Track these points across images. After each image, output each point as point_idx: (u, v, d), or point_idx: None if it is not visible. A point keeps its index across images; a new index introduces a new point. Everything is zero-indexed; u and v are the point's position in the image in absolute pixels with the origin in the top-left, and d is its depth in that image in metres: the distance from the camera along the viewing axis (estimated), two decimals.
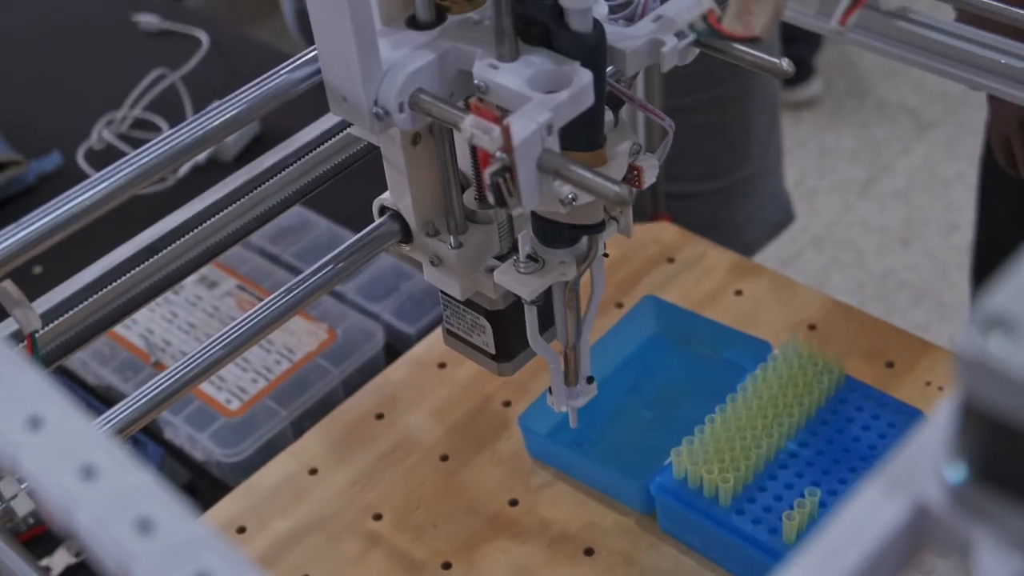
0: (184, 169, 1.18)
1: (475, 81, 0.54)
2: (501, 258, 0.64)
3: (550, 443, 0.85)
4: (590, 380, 0.71)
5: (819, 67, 2.41)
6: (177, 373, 0.63)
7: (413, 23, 0.57)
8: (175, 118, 1.24)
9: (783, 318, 0.94)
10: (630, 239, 0.99)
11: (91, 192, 0.57)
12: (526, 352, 0.69)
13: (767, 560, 0.75)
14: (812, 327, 0.93)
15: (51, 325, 0.59)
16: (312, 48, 0.60)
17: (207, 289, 1.04)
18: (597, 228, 0.60)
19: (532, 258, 0.62)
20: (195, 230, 0.67)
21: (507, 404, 0.89)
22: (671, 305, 0.93)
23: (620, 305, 0.95)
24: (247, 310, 1.05)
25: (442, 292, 0.67)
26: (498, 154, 0.49)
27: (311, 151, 0.72)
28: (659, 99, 0.99)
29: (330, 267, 0.66)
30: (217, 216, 0.73)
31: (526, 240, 0.61)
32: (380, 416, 0.90)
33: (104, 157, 1.21)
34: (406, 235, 0.64)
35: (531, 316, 0.65)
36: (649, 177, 0.59)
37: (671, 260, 0.99)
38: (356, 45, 0.54)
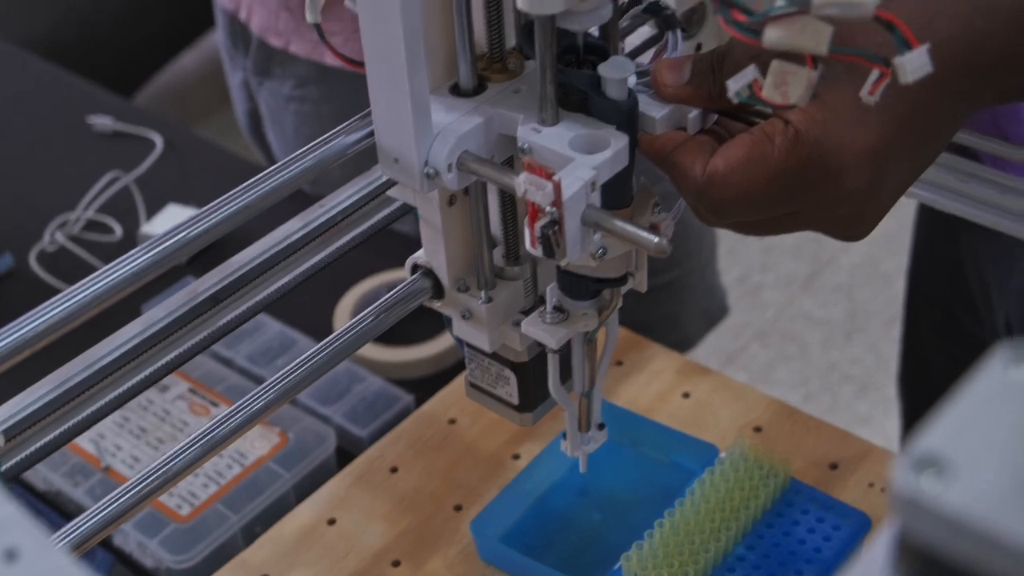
0: None
1: (519, 143, 0.59)
2: (525, 313, 0.69)
3: (502, 547, 0.86)
4: (601, 427, 0.75)
5: None
6: (146, 481, 0.63)
7: (456, 91, 0.62)
8: (128, 220, 1.25)
9: (729, 420, 0.95)
10: None
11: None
12: (545, 404, 0.74)
13: None
14: (758, 429, 0.94)
15: (10, 441, 0.59)
16: (361, 114, 0.64)
17: (159, 393, 1.04)
18: (620, 282, 0.66)
19: (558, 310, 0.66)
20: (158, 344, 0.68)
21: (458, 508, 0.90)
22: (620, 409, 0.94)
23: None
24: (200, 415, 1.05)
25: (468, 346, 0.71)
26: (548, 208, 0.54)
27: (282, 257, 0.74)
28: None
29: (368, 321, 0.69)
30: (181, 329, 0.74)
31: (553, 293, 0.66)
32: (332, 521, 0.90)
33: (56, 260, 1.21)
34: (437, 291, 0.68)
35: (553, 364, 0.70)
36: (667, 234, 0.63)
37: (620, 363, 1.00)
38: (412, 111, 0.59)
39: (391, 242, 1.21)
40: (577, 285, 0.65)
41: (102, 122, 1.39)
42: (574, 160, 0.57)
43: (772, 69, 0.52)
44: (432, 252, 0.68)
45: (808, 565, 0.81)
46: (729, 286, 2.19)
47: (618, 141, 0.58)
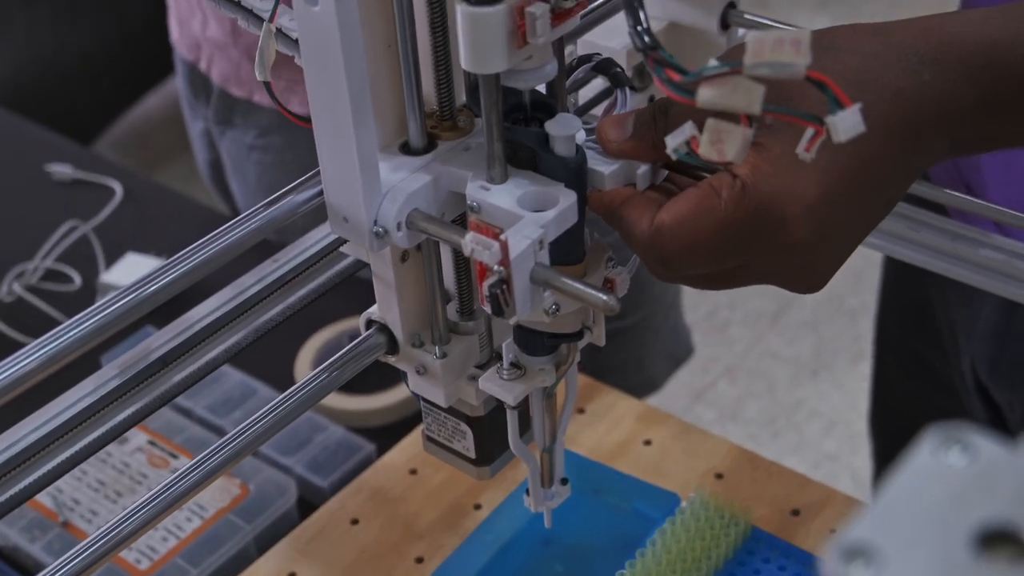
0: None
1: (468, 201, 0.59)
2: (481, 367, 0.68)
3: None
4: (564, 481, 0.75)
5: None
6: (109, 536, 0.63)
7: (406, 149, 0.62)
8: (87, 269, 1.25)
9: (690, 467, 0.95)
10: None
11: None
12: (503, 457, 0.73)
13: None
14: (719, 476, 0.94)
15: None
16: (311, 173, 0.65)
17: (117, 445, 1.03)
18: (576, 336, 0.65)
19: (515, 365, 0.66)
20: (117, 400, 0.68)
21: (420, 560, 0.90)
22: (582, 457, 0.94)
23: None
24: (159, 467, 1.04)
25: (424, 401, 0.71)
26: (496, 267, 0.54)
27: (241, 311, 0.74)
28: None
29: (323, 377, 0.68)
30: (140, 385, 0.74)
31: (510, 349, 0.65)
32: (293, 575, 0.89)
33: (14, 310, 1.21)
34: (392, 346, 0.67)
35: (512, 421, 0.69)
36: (622, 288, 0.64)
37: (581, 411, 1.00)
38: (360, 171, 0.59)
39: (353, 289, 1.21)
40: (533, 341, 0.65)
41: (61, 170, 1.39)
42: (523, 218, 0.57)
43: (707, 127, 0.52)
44: (386, 307, 0.67)
45: None
46: (697, 322, 2.19)
47: (567, 198, 0.58)
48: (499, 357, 0.67)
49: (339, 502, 0.95)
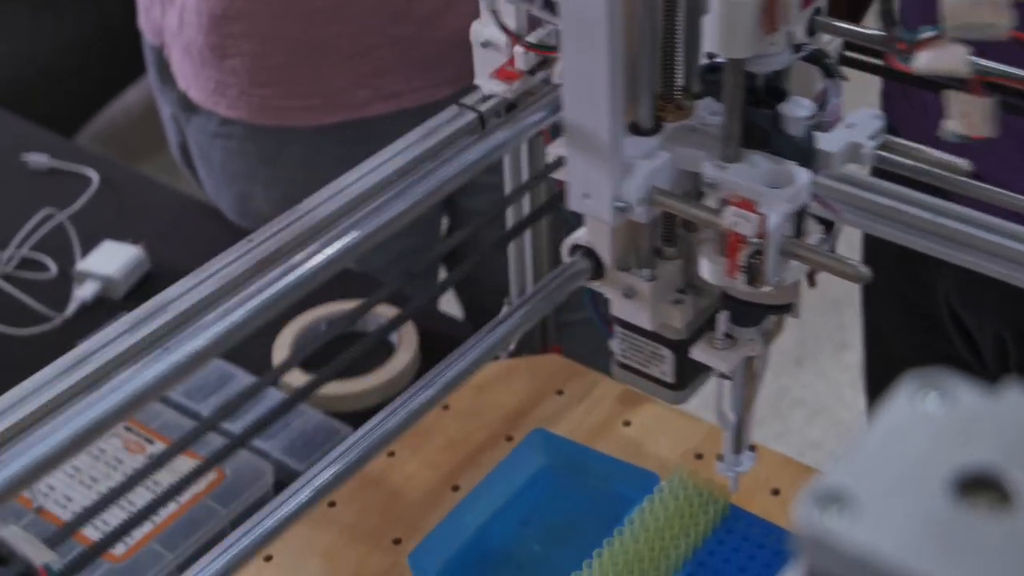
0: (71, 308, 1.17)
1: (706, 179, 0.63)
2: (682, 291, 0.72)
3: None
4: (752, 448, 0.80)
5: None
6: None
7: (635, 129, 0.66)
8: (63, 258, 1.23)
9: (670, 448, 0.95)
10: (518, 372, 1.00)
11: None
12: (695, 382, 0.78)
13: None
14: (699, 456, 0.94)
15: None
16: None
17: None
18: (785, 308, 0.70)
19: (727, 336, 0.70)
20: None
21: (397, 542, 0.89)
22: (560, 438, 0.93)
23: (510, 438, 0.96)
24: (135, 452, 1.03)
25: (622, 326, 0.74)
26: (753, 239, 0.59)
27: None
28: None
29: (525, 306, 0.74)
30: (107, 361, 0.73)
31: (723, 320, 0.70)
32: (268, 558, 0.89)
33: None
34: (597, 271, 0.71)
35: (730, 390, 0.76)
36: None
37: (560, 392, 0.99)
38: (611, 150, 0.63)
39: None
40: (747, 313, 0.69)
41: (37, 160, 1.37)
42: (764, 194, 0.60)
43: (951, 106, 0.56)
44: (596, 233, 0.70)
45: None
46: None
47: (803, 176, 0.61)
48: (710, 327, 0.71)
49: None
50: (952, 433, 0.26)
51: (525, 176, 0.98)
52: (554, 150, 0.70)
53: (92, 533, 0.93)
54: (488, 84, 0.91)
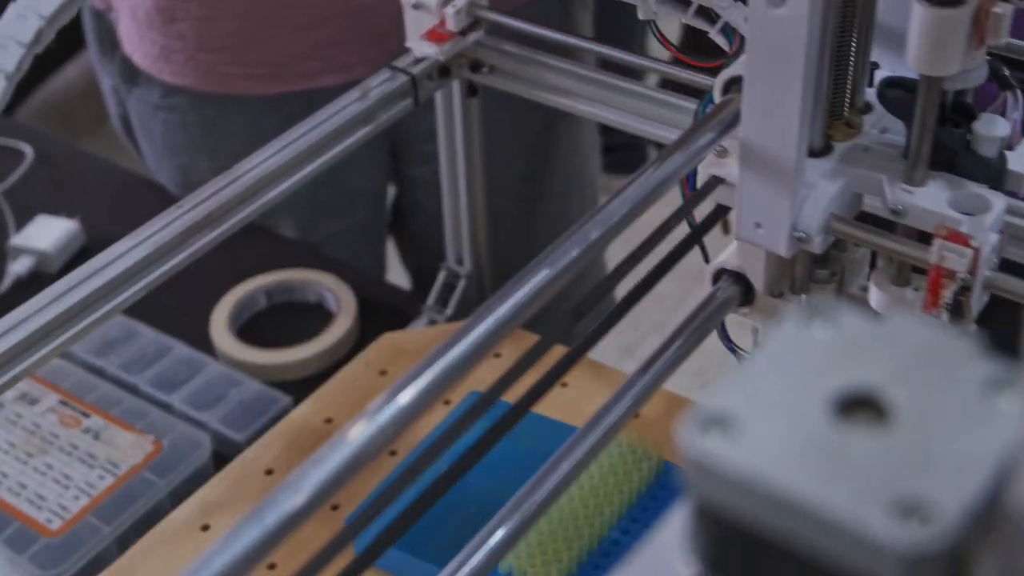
0: (5, 283, 1.15)
1: (890, 204, 0.58)
2: None
3: None
4: None
5: (651, 155, 2.47)
6: None
7: (808, 152, 0.60)
8: None
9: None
10: None
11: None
12: None
13: None
14: (635, 415, 0.94)
15: None
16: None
17: (28, 406, 1.01)
18: None
19: None
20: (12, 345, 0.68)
21: (335, 508, 0.89)
22: (498, 401, 0.93)
23: (447, 402, 0.96)
24: (71, 426, 1.02)
25: None
26: (962, 275, 0.54)
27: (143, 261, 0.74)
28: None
29: (677, 341, 0.71)
30: (35, 329, 0.74)
31: None
32: (206, 527, 0.88)
33: None
34: (747, 297, 0.67)
35: None
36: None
37: (497, 355, 0.99)
38: (795, 176, 0.57)
39: (266, 243, 1.19)
40: None
41: None
42: (960, 221, 0.56)
43: None
44: (748, 254, 0.65)
45: None
46: (625, 281, 2.19)
47: (999, 201, 0.57)
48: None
49: (253, 453, 0.93)
50: (833, 355, 0.26)
51: (459, 137, 0.98)
52: (708, 170, 0.64)
53: (27, 508, 0.93)
54: (420, 46, 0.91)
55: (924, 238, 0.59)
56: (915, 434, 0.24)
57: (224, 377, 1.04)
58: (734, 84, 0.59)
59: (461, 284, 1.06)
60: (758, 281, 0.65)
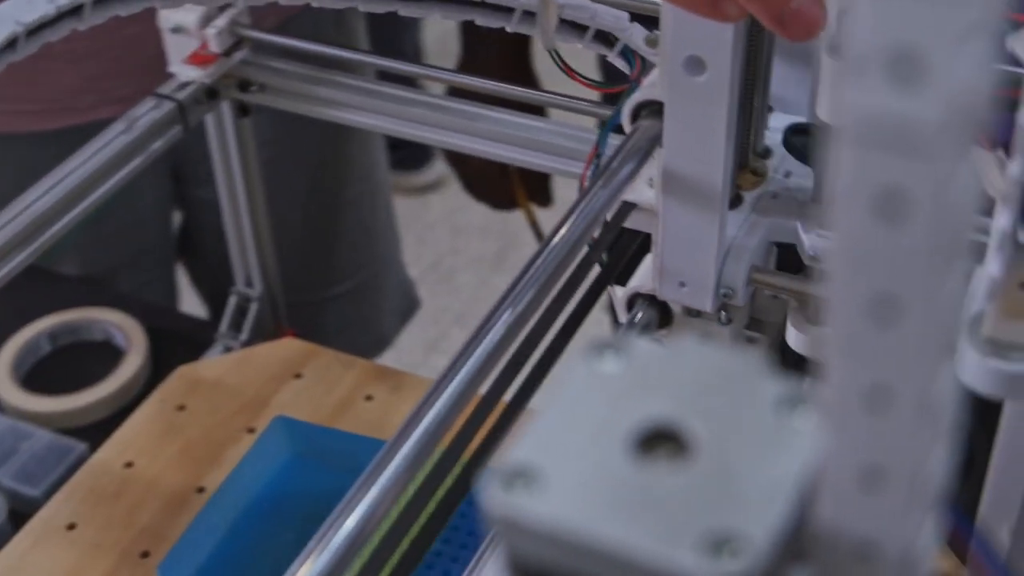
0: None
1: (808, 252, 0.58)
2: None
3: None
4: None
5: (437, 150, 2.47)
6: None
7: None
8: None
9: None
10: (253, 361, 0.97)
11: None
12: None
13: None
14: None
15: None
16: None
17: None
18: None
19: None
20: None
21: (145, 555, 0.86)
22: (302, 423, 0.91)
23: (251, 430, 0.93)
24: None
25: None
26: None
27: None
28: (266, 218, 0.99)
29: None
30: None
31: None
32: None
33: None
34: (664, 320, 0.65)
35: None
36: None
37: (299, 376, 0.97)
38: (719, 234, 0.57)
39: (46, 284, 1.14)
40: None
41: None
42: None
43: None
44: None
45: None
46: (422, 274, 2.18)
47: None
48: None
49: (51, 509, 0.89)
50: (628, 390, 0.25)
51: (235, 157, 0.95)
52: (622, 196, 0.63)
53: None
54: (183, 71, 0.88)
55: None
56: (716, 464, 0.23)
57: (12, 430, 0.99)
58: (644, 109, 0.59)
59: (253, 307, 1.03)
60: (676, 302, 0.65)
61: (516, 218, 2.41)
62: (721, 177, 0.56)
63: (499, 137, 0.86)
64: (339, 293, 1.31)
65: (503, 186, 1.15)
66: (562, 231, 0.56)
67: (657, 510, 0.23)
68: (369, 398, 0.96)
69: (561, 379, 0.26)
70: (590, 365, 0.26)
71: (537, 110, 1.00)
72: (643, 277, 0.65)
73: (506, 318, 0.48)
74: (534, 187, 1.15)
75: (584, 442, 0.24)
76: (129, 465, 0.92)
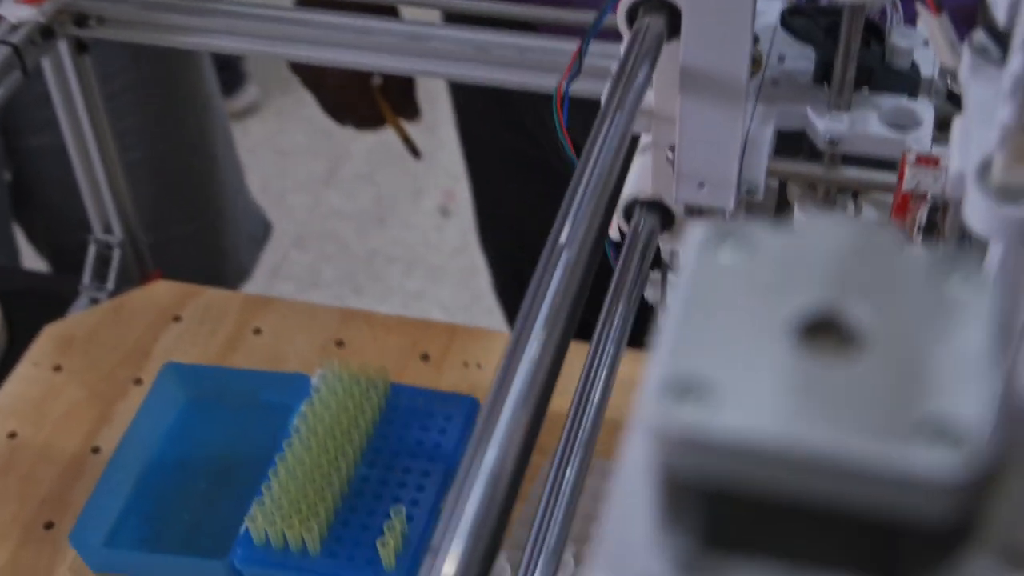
0: None
1: (824, 136, 0.56)
2: None
3: (111, 552, 0.78)
4: None
5: (250, 72, 2.38)
6: None
7: None
8: None
9: (308, 343, 0.91)
10: (126, 310, 0.92)
11: None
12: None
13: None
14: (340, 343, 0.91)
15: None
16: None
17: None
18: None
19: None
20: None
21: (50, 526, 0.81)
22: (193, 367, 0.87)
23: (139, 381, 0.89)
24: None
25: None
26: (933, 195, 0.53)
27: None
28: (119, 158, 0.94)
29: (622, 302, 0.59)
30: None
31: None
32: None
33: None
34: (667, 222, 0.63)
35: None
36: None
37: (177, 319, 0.93)
38: (741, 128, 0.55)
39: None
40: None
41: None
42: (894, 140, 0.56)
43: None
44: (660, 179, 0.61)
45: (432, 463, 0.79)
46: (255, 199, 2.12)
47: (928, 110, 0.57)
48: None
49: None
50: (767, 281, 0.23)
51: (78, 99, 0.89)
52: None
53: None
54: (14, 11, 0.82)
55: (847, 160, 0.59)
56: (894, 348, 0.21)
57: None
58: (640, 7, 0.55)
59: (116, 254, 0.97)
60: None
61: (342, 134, 2.35)
62: (746, 66, 0.54)
63: (357, 44, 0.82)
64: (195, 229, 1.26)
65: (366, 104, 1.11)
66: (595, 152, 0.50)
67: (855, 406, 0.20)
68: (257, 331, 0.92)
69: (683, 278, 0.23)
70: (710, 258, 0.23)
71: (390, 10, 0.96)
72: (637, 183, 0.63)
73: (565, 259, 0.44)
74: (399, 101, 1.12)
75: (745, 344, 0.22)
76: (12, 436, 0.86)
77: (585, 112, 0.57)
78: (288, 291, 2.03)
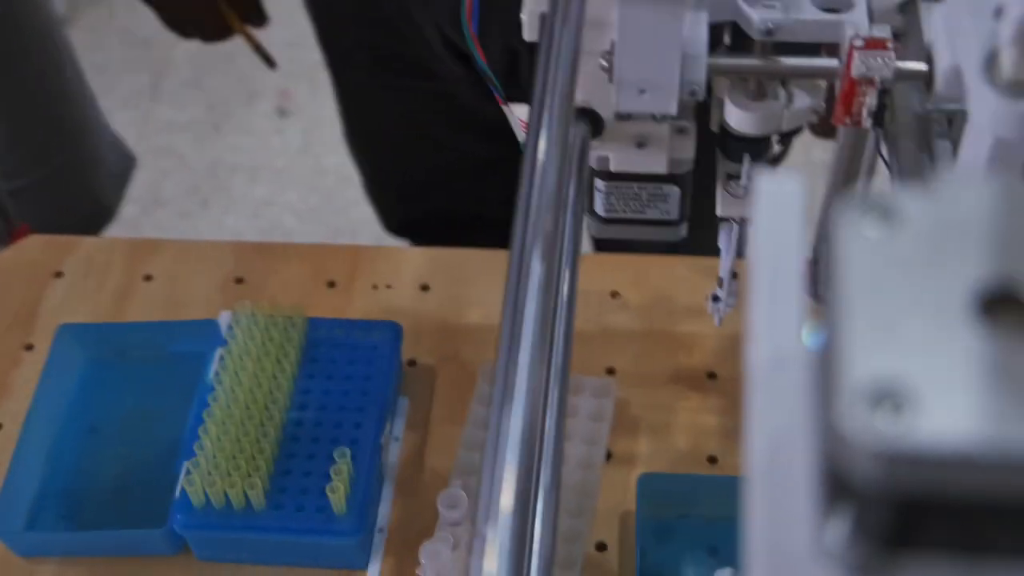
0: None
1: (759, 26, 0.54)
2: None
3: (34, 535, 0.74)
4: (735, 275, 0.73)
5: None
6: None
7: None
8: None
9: (207, 285, 0.86)
10: (3, 271, 0.86)
11: None
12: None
13: (328, 541, 0.70)
14: (239, 280, 0.86)
15: None
16: None
17: None
18: (797, 132, 0.64)
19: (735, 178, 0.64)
20: None
21: None
22: (89, 326, 0.82)
23: (30, 347, 0.83)
24: None
25: (613, 180, 0.64)
26: (881, 78, 0.52)
27: None
28: None
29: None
30: None
31: (745, 167, 0.63)
32: None
33: None
34: (596, 129, 0.60)
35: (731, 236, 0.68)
36: None
37: (59, 275, 0.87)
38: (680, 29, 0.53)
39: None
40: (760, 147, 0.62)
41: None
42: (835, 22, 0.54)
43: None
44: (588, 85, 0.58)
45: (364, 396, 0.76)
46: None
47: None
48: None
49: None
50: (928, 255, 0.21)
51: None
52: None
53: None
54: None
55: (778, 49, 0.56)
56: None
57: None
58: None
59: None
60: (606, 110, 0.60)
61: (161, 43, 2.25)
62: None
63: None
64: (53, 170, 1.18)
65: (211, 14, 1.04)
66: (551, 79, 0.48)
67: None
68: (148, 278, 0.87)
69: (836, 264, 0.21)
70: (858, 235, 0.21)
71: None
72: None
73: (536, 203, 0.41)
74: (245, 7, 1.05)
75: (926, 333, 0.20)
76: None
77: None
78: (133, 213, 1.94)
